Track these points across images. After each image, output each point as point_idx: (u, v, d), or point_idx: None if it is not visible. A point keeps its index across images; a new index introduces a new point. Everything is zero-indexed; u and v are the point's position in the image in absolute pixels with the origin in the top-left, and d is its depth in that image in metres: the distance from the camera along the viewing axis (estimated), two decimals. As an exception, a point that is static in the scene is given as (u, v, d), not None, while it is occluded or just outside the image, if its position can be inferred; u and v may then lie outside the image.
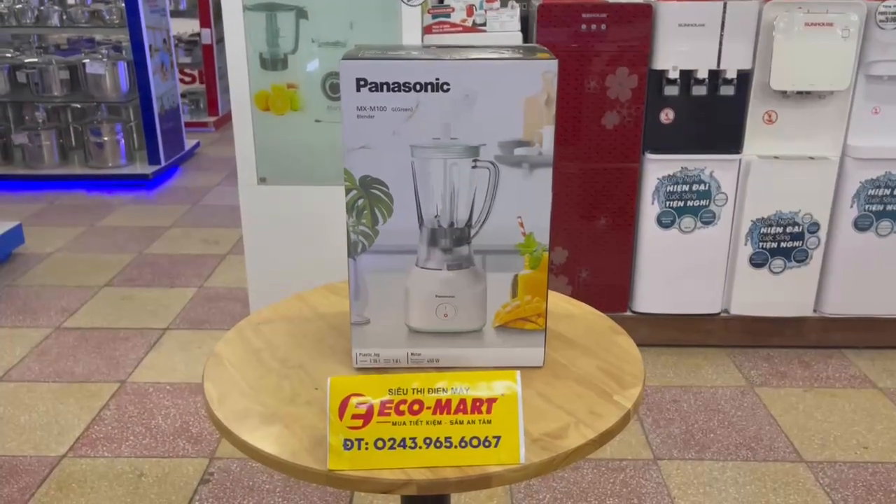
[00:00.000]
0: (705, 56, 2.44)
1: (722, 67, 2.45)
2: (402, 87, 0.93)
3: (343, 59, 0.93)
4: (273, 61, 2.44)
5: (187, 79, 6.93)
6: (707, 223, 2.61)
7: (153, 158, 5.10)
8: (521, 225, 0.99)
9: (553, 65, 0.93)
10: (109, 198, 4.75)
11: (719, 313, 2.74)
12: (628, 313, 2.76)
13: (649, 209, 2.60)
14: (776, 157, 2.55)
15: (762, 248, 2.62)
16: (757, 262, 2.64)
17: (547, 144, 0.96)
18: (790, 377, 2.61)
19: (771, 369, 2.65)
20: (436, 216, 0.99)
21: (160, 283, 3.44)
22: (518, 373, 0.88)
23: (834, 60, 2.40)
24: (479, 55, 0.96)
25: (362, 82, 0.93)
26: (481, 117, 0.94)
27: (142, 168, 5.06)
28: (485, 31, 2.47)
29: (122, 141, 5.05)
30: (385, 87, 0.93)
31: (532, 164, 0.96)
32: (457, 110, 0.94)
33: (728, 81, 2.47)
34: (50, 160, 5.02)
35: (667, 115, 2.53)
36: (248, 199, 2.58)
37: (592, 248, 2.67)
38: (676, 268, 2.67)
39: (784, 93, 2.47)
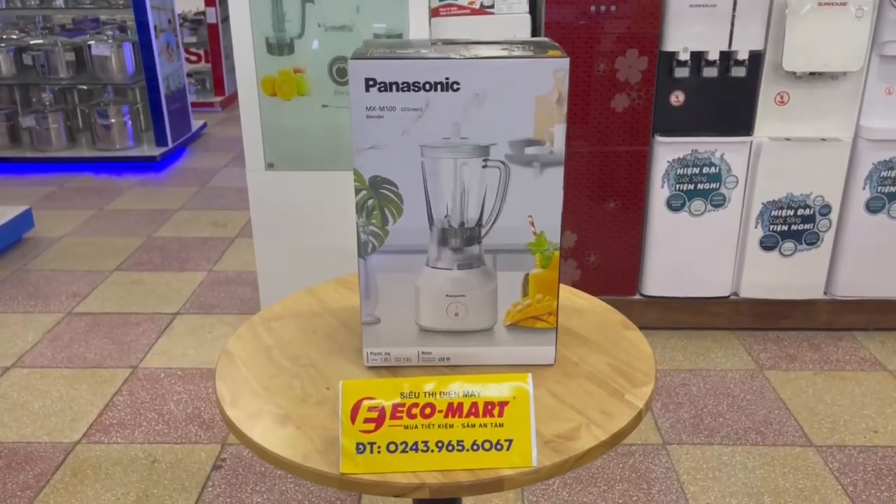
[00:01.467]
0: (717, 37, 2.40)
1: (733, 48, 2.41)
2: (412, 87, 0.92)
3: (351, 58, 0.92)
4: (279, 46, 2.42)
5: (193, 58, 6.89)
6: (717, 206, 2.59)
7: (160, 140, 5.10)
8: (532, 224, 0.98)
9: (564, 63, 0.92)
10: (118, 180, 4.75)
11: (729, 296, 2.73)
12: (637, 297, 2.76)
13: (659, 192, 2.59)
14: (788, 139, 2.53)
15: (772, 230, 2.61)
16: (767, 244, 2.63)
17: (558, 143, 0.95)
18: (800, 360, 2.60)
19: (780, 352, 2.65)
20: (446, 216, 0.98)
21: (170, 266, 3.45)
22: (530, 375, 0.88)
23: (847, 40, 2.37)
24: (488, 52, 0.95)
25: (371, 82, 0.92)
26: (491, 116, 0.93)
27: (149, 150, 5.05)
28: (493, 13, 2.44)
29: (129, 123, 5.05)
30: (394, 86, 0.92)
31: (543, 163, 0.95)
32: (467, 109, 0.93)
33: (739, 63, 2.44)
34: (58, 143, 5.02)
35: (677, 98, 2.51)
36: (256, 185, 2.57)
37: (601, 232, 2.66)
38: (686, 251, 2.65)
39: (796, 74, 2.44)
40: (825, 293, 2.72)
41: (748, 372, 2.53)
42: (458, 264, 1.00)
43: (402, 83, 0.91)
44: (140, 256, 3.56)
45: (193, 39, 6.77)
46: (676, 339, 2.73)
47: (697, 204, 2.59)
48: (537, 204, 0.97)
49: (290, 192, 2.57)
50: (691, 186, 2.57)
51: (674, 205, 2.60)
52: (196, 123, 5.66)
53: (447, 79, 0.91)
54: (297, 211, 2.59)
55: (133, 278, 3.33)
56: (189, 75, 6.14)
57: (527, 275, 1.01)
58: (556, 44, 0.99)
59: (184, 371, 2.58)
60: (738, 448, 2.16)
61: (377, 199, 0.97)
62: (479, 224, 0.99)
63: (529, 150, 0.95)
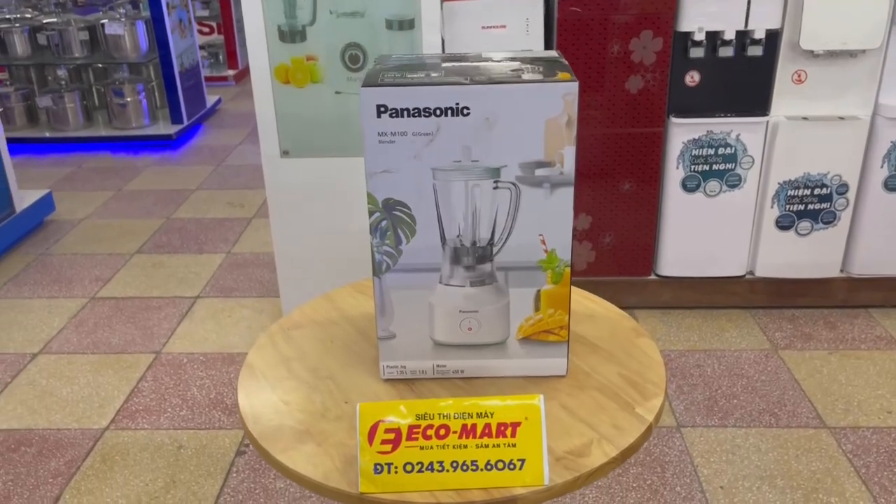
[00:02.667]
0: (733, 16, 2.37)
1: (750, 27, 2.38)
2: (423, 113, 0.93)
3: (363, 85, 0.93)
4: (291, 33, 2.42)
5: (205, 30, 6.87)
6: (733, 187, 2.58)
7: (175, 117, 5.12)
8: (543, 242, 1.00)
9: (573, 87, 0.92)
10: (135, 159, 4.79)
11: (744, 275, 2.73)
12: (652, 277, 2.77)
13: (674, 173, 2.58)
14: (805, 118, 2.50)
15: (789, 210, 2.60)
16: (783, 224, 2.62)
17: (568, 164, 0.96)
18: (815, 339, 2.61)
19: (796, 331, 2.66)
20: (458, 235, 1.00)
21: (189, 248, 3.50)
22: (541, 396, 0.90)
23: (866, 17, 2.32)
24: (499, 72, 0.96)
25: (382, 108, 0.93)
26: (502, 139, 0.94)
27: (165, 128, 5.08)
28: (505, -5, 2.41)
29: (145, 101, 5.06)
30: (405, 112, 0.93)
31: (553, 183, 0.97)
32: (477, 133, 0.94)
33: (756, 41, 2.41)
34: (75, 122, 5.06)
35: (692, 78, 2.48)
36: (271, 172, 2.59)
37: (616, 214, 2.66)
38: (701, 231, 2.65)
39: (814, 52, 2.41)
40: (841, 271, 2.72)
41: (763, 352, 2.55)
42: (471, 281, 1.03)
43: (413, 109, 0.93)
44: (159, 238, 3.61)
45: (206, 13, 6.74)
46: (691, 319, 2.75)
47: (713, 185, 2.58)
48: (548, 223, 0.99)
49: (306, 179, 2.59)
50: (707, 167, 2.56)
51: (689, 186, 2.59)
52: (210, 99, 5.67)
53: (457, 104, 0.93)
54: (312, 197, 2.61)
55: (153, 261, 3.38)
56: (202, 47, 6.12)
57: (539, 291, 1.03)
58: (566, 63, 1.00)
59: (206, 356, 2.64)
60: (752, 430, 2.19)
61: (390, 220, 0.99)
62: (490, 243, 1.00)
63: (540, 172, 0.96)
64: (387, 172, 0.96)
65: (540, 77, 0.94)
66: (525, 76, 0.95)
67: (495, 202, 0.98)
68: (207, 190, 4.23)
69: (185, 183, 4.33)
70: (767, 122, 2.51)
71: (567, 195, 0.97)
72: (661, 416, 2.23)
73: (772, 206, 2.60)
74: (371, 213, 0.98)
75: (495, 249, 1.01)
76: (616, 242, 2.70)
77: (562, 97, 0.92)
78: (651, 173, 2.60)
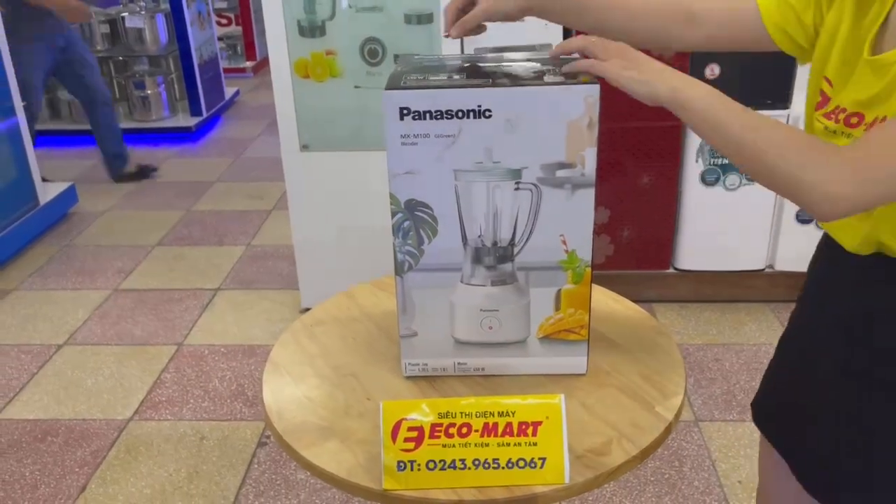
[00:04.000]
0: (754, 8, 2.35)
1: (771, 20, 2.36)
2: (445, 115, 0.94)
3: (386, 88, 0.94)
4: (311, 28, 2.43)
5: (223, 20, 6.89)
6: (752, 180, 2.56)
7: (195, 110, 5.15)
8: (564, 243, 1.01)
9: (595, 89, 0.93)
10: (155, 151, 4.83)
11: (764, 269, 2.72)
12: (671, 270, 2.76)
13: (693, 167, 2.57)
14: (826, 111, 2.48)
15: (809, 204, 2.58)
16: (804, 217, 2.60)
17: (589, 166, 0.96)
18: (835, 333, 2.60)
19: (816, 325, 2.64)
20: (479, 236, 1.01)
21: (209, 241, 3.53)
22: (562, 396, 0.91)
23: (891, 9, 2.30)
24: (520, 71, 0.96)
25: (405, 111, 0.94)
26: (523, 141, 0.95)
27: (184, 120, 5.12)
28: (524, -11, 2.40)
29: (165, 93, 5.10)
30: (428, 115, 0.94)
31: (574, 184, 0.97)
32: (499, 135, 0.95)
33: (777, 34, 2.38)
34: (96, 114, 5.10)
35: (712, 70, 2.47)
36: (291, 166, 2.61)
37: (635, 207, 2.66)
38: (720, 225, 2.65)
39: (836, 44, 2.38)
40: (862, 265, 2.69)
41: (782, 346, 2.54)
42: (492, 281, 1.04)
43: (436, 111, 0.93)
44: (180, 230, 3.65)
45: (224, 4, 6.77)
46: (710, 313, 2.74)
47: (732, 178, 2.57)
48: (569, 224, 0.99)
49: (326, 172, 2.61)
50: (726, 161, 2.54)
51: (708, 179, 2.58)
52: (229, 91, 5.70)
53: (479, 106, 0.93)
54: (332, 190, 2.63)
55: (174, 253, 3.42)
56: (220, 39, 6.14)
57: (559, 290, 1.03)
58: (588, 64, 1.00)
59: (227, 348, 2.67)
60: (771, 425, 2.18)
61: (413, 220, 1.00)
62: (511, 243, 1.01)
63: (561, 173, 0.96)
64: (409, 174, 0.97)
65: (561, 79, 0.95)
66: (547, 78, 0.95)
67: (516, 203, 0.99)
68: (227, 182, 4.26)
69: (204, 175, 4.37)
70: (788, 115, 2.49)
71: (588, 196, 0.98)
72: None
73: (792, 200, 2.58)
74: (393, 214, 1.00)
75: (516, 249, 1.02)
76: (634, 236, 2.70)
77: (583, 99, 0.93)
78: (670, 167, 2.59)
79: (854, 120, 0.90)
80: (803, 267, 1.21)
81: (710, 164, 2.55)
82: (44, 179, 3.69)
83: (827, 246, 1.06)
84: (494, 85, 0.94)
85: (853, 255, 0.97)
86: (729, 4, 1.03)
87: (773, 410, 1.19)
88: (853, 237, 0.96)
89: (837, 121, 0.92)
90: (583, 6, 1.06)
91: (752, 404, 1.26)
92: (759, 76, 2.46)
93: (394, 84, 0.95)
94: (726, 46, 1.07)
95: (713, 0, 1.04)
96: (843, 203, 0.83)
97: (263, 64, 6.77)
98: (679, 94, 0.89)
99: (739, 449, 2.10)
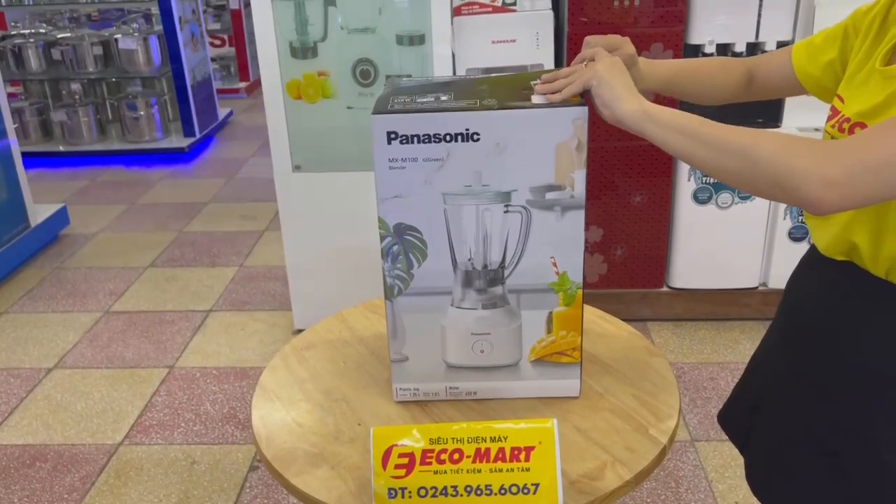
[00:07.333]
0: (743, 28, 2.37)
1: (761, 39, 2.38)
2: (433, 139, 0.93)
3: (373, 112, 0.94)
4: (303, 50, 2.44)
5: (217, 42, 6.92)
6: (745, 198, 2.57)
7: (188, 131, 5.15)
8: (555, 265, 1.00)
9: (583, 111, 0.93)
10: (148, 172, 4.82)
11: (757, 287, 2.72)
12: (664, 289, 2.76)
13: (685, 185, 2.57)
14: (817, 129, 2.48)
15: (802, 221, 2.58)
16: (796, 235, 2.61)
17: (579, 188, 0.96)
18: (830, 351, 2.59)
19: (810, 343, 2.63)
20: (469, 259, 1.01)
21: (201, 262, 3.51)
22: (555, 421, 0.90)
23: (878, 28, 2.31)
24: (508, 94, 0.96)
25: (393, 135, 0.93)
26: (512, 164, 0.95)
27: (178, 141, 5.11)
28: (515, 10, 2.42)
29: (158, 114, 5.10)
30: (416, 139, 0.93)
31: (564, 206, 0.97)
32: (488, 158, 0.94)
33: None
34: (89, 136, 5.10)
35: (703, 90, 2.48)
36: (284, 186, 2.61)
37: (628, 226, 2.65)
38: (713, 243, 2.65)
39: (825, 63, 2.40)
40: (856, 282, 2.69)
41: (777, 364, 2.53)
42: (483, 304, 1.03)
43: (424, 135, 0.93)
44: (172, 252, 3.63)
45: (217, 26, 6.79)
46: (704, 331, 2.73)
47: (724, 196, 2.57)
48: (559, 246, 0.99)
49: (318, 193, 2.60)
50: (718, 179, 2.55)
51: (701, 197, 2.58)
52: (222, 112, 5.70)
53: (467, 130, 0.93)
54: (324, 211, 2.62)
55: (166, 275, 3.40)
56: (213, 60, 6.16)
57: (550, 313, 1.03)
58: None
59: (218, 370, 2.65)
60: (767, 444, 2.17)
61: (402, 244, 0.99)
62: (501, 266, 1.01)
63: (550, 196, 0.96)
64: (398, 198, 0.97)
65: (548, 101, 0.94)
66: (535, 100, 0.95)
67: (506, 226, 0.98)
68: (220, 203, 4.25)
69: (197, 196, 4.36)
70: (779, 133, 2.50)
71: (578, 218, 0.97)
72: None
73: (784, 217, 2.59)
74: (382, 238, 0.99)
75: (507, 272, 1.01)
76: (628, 254, 2.70)
77: (571, 121, 0.93)
78: (663, 185, 2.59)
79: (857, 130, 0.91)
80: (797, 285, 1.23)
81: (702, 183, 2.56)
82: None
83: (807, 256, 1.10)
84: (482, 108, 0.94)
85: (825, 262, 1.00)
86: (778, 61, 1.13)
87: (735, 410, 1.25)
88: (826, 232, 0.99)
89: (842, 129, 0.94)
90: (673, 82, 1.26)
91: (717, 414, 1.31)
92: (750, 95, 2.47)
93: (381, 108, 0.95)
94: (763, 98, 1.21)
95: (766, 64, 1.16)
96: (834, 189, 0.80)
97: (257, 85, 6.79)
98: (649, 108, 0.91)
99: (736, 469, 2.08)
